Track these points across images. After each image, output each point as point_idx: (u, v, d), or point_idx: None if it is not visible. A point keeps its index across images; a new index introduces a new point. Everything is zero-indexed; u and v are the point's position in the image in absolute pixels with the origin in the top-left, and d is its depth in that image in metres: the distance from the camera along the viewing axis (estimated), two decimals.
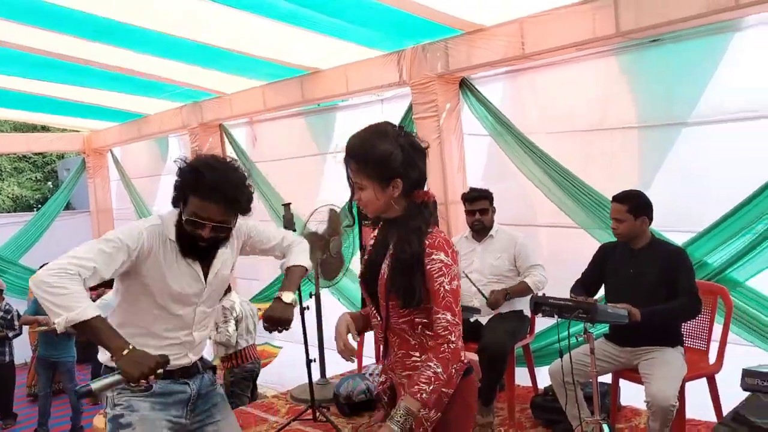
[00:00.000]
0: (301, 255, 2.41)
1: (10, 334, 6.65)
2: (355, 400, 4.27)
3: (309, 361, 4.16)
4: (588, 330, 3.00)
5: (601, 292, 3.52)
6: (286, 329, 2.14)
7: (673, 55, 4.00)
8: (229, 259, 2.34)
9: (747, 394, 2.95)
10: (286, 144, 6.78)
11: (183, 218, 2.11)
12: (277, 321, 2.16)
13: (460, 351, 1.81)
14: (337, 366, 5.13)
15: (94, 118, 8.60)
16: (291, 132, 6.72)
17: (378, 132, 1.87)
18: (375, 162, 1.83)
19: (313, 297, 4.51)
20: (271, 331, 2.19)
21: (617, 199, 3.38)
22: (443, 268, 1.81)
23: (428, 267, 1.82)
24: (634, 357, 3.29)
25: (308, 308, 4.11)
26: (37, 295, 1.92)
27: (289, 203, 4.29)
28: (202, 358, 2.37)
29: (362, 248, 4.64)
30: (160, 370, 1.90)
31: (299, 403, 4.56)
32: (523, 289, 3.89)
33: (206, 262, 2.25)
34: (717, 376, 3.34)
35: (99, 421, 4.80)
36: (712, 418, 3.37)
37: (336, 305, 5.29)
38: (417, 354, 1.88)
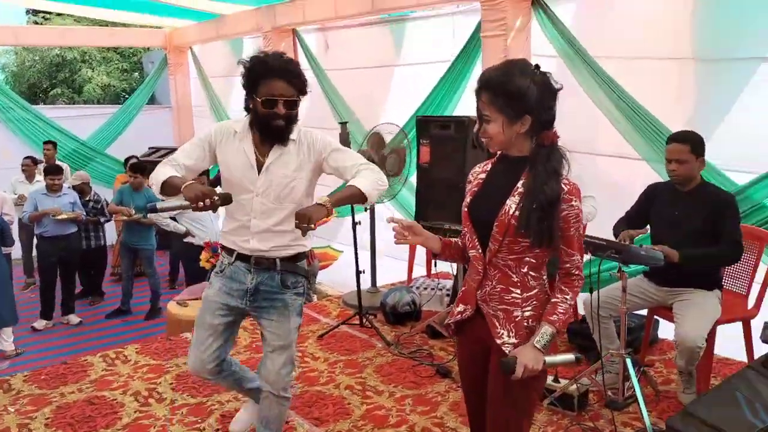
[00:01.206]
0: (365, 181, 2.49)
1: (102, 220, 7.28)
2: (399, 311, 4.53)
3: (358, 272, 4.41)
4: (622, 269, 3.08)
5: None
6: (312, 228, 2.26)
7: None
8: (291, 161, 2.52)
9: None
10: (355, 53, 6.79)
11: (259, 102, 2.44)
12: (303, 216, 2.25)
13: None
14: (387, 276, 5.42)
15: (173, 16, 8.79)
16: (361, 42, 6.71)
17: (515, 66, 1.88)
18: (509, 96, 1.84)
19: (368, 211, 4.70)
20: (297, 227, 2.29)
21: (678, 138, 3.26)
22: (579, 215, 1.91)
23: (565, 212, 1.88)
24: (670, 297, 3.34)
25: (360, 223, 4.30)
26: (150, 184, 2.50)
27: (346, 122, 4.40)
28: (285, 259, 2.58)
29: (419, 166, 4.74)
30: (216, 198, 2.28)
31: (349, 308, 4.88)
32: None
33: (265, 152, 2.52)
34: (755, 321, 3.36)
35: (173, 306, 5.29)
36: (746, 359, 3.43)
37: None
38: (518, 291, 1.94)
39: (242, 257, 2.60)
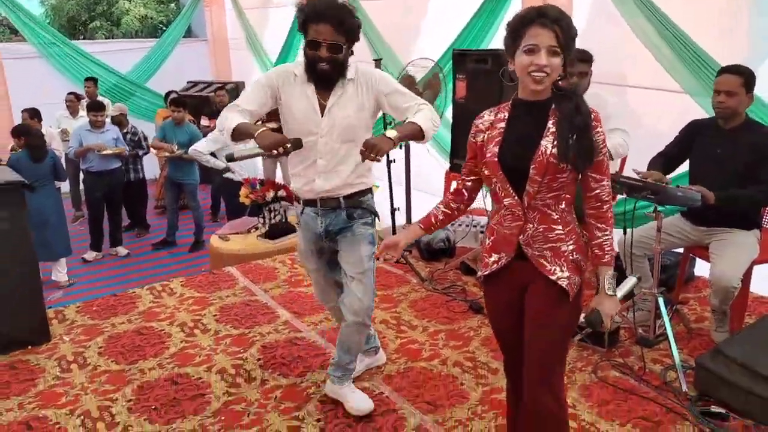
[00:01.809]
0: (425, 118, 2.56)
1: (140, 152, 7.44)
2: (434, 247, 4.60)
3: (393, 210, 4.45)
4: (657, 209, 3.05)
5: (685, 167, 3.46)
6: (378, 160, 2.34)
7: None
8: (349, 101, 2.60)
9: None
10: None
11: (305, 44, 2.51)
12: (372, 147, 2.31)
13: None
14: (422, 212, 5.45)
15: None
16: None
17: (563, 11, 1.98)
18: (573, 38, 1.94)
19: (402, 148, 4.69)
20: (364, 158, 2.36)
21: (731, 70, 3.15)
22: (605, 140, 2.00)
23: (595, 138, 1.96)
24: (707, 236, 3.30)
25: (394, 161, 4.31)
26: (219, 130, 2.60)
27: (380, 59, 4.35)
28: (349, 196, 2.70)
29: (455, 101, 4.68)
30: (289, 144, 2.39)
31: None
32: None
33: (327, 95, 2.59)
34: None
35: (215, 240, 5.46)
36: None
37: (424, 156, 5.42)
38: (560, 227, 2.02)
39: (309, 202, 2.74)
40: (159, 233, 7.57)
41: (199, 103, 9.25)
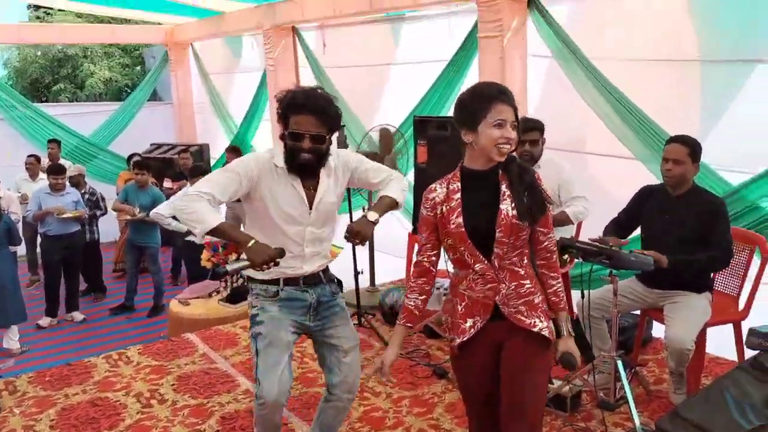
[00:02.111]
0: (397, 189, 2.67)
1: (98, 213, 7.30)
2: (397, 310, 4.56)
3: (356, 273, 4.47)
4: (612, 273, 3.13)
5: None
6: (362, 244, 2.41)
7: None
8: (332, 188, 2.62)
9: None
10: (352, 52, 6.84)
11: (286, 135, 2.47)
12: (356, 233, 2.41)
13: None
14: (385, 274, 5.48)
15: (174, 13, 8.82)
16: (358, 40, 6.76)
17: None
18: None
19: (365, 211, 4.74)
20: (349, 241, 2.45)
21: (678, 140, 3.30)
22: (549, 196, 2.17)
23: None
24: (660, 299, 3.39)
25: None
26: (180, 218, 2.42)
27: (344, 125, 4.45)
28: (325, 271, 2.70)
29: (416, 166, 4.79)
30: (278, 259, 2.33)
31: (348, 307, 4.92)
32: (562, 219, 3.91)
33: (310, 186, 2.55)
34: (746, 323, 3.41)
35: (175, 304, 5.37)
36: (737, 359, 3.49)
37: (387, 218, 5.47)
38: (527, 282, 2.15)
39: (289, 281, 2.60)
40: (117, 297, 7.39)
41: (163, 166, 9.25)
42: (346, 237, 2.43)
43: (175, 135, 10.61)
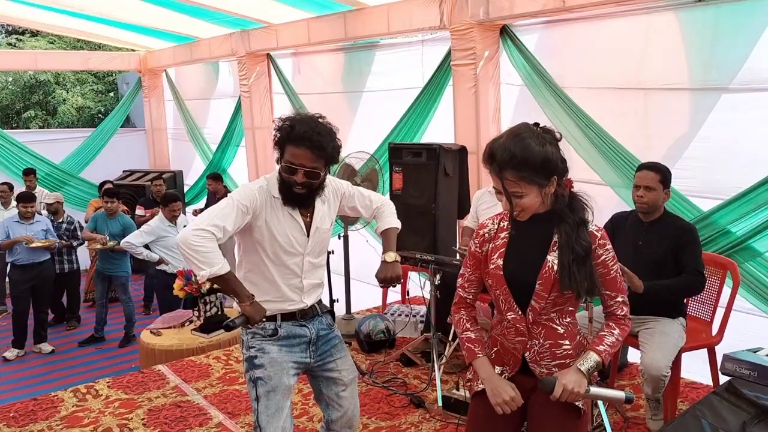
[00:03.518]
0: (392, 217, 2.71)
1: (75, 243, 7.16)
2: (374, 339, 4.54)
3: (332, 301, 4.42)
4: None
5: None
6: (399, 283, 2.45)
7: (722, 16, 3.86)
8: (327, 216, 2.58)
9: None
10: (325, 78, 6.87)
11: (281, 166, 2.39)
12: (390, 280, 2.48)
13: None
14: (361, 302, 5.43)
15: (149, 35, 8.78)
16: (331, 67, 6.79)
17: (526, 135, 1.87)
18: (538, 166, 1.84)
19: (341, 239, 4.71)
20: (385, 288, 2.43)
21: (649, 167, 3.35)
22: (615, 257, 1.96)
23: (603, 257, 1.93)
24: (635, 325, 3.38)
25: (333, 252, 4.31)
26: (183, 252, 2.27)
27: None
28: (320, 303, 2.63)
29: (392, 192, 4.79)
30: (265, 318, 2.37)
31: None
32: None
33: (307, 214, 2.50)
34: (719, 347, 3.43)
35: (146, 335, 5.25)
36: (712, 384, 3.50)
37: (362, 246, 5.46)
38: (567, 342, 1.94)
39: (286, 317, 2.50)
40: (88, 328, 7.21)
41: (135, 192, 9.13)
42: (381, 286, 2.52)
43: (148, 161, 10.50)
